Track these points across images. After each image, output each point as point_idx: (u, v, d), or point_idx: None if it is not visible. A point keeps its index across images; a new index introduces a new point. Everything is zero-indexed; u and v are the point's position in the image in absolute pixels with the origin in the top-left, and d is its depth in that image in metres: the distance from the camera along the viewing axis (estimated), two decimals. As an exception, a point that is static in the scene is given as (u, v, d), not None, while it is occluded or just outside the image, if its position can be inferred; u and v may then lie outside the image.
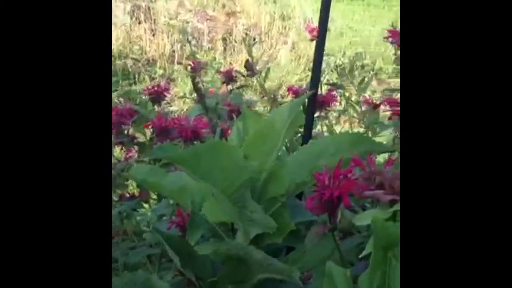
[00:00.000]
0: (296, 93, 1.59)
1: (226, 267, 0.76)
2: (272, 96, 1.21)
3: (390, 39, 0.95)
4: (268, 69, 1.22)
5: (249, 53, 1.17)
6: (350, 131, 0.94)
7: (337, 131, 1.18)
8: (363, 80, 0.80)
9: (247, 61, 1.24)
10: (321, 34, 0.83)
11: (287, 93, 1.63)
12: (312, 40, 1.59)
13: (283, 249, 0.86)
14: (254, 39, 3.84)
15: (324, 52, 0.85)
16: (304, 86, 1.69)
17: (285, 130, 0.73)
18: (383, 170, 0.64)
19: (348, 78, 0.77)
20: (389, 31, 0.83)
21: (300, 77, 3.38)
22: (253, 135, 0.73)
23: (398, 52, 1.04)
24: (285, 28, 4.11)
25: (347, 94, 0.91)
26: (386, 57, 3.78)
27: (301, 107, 0.78)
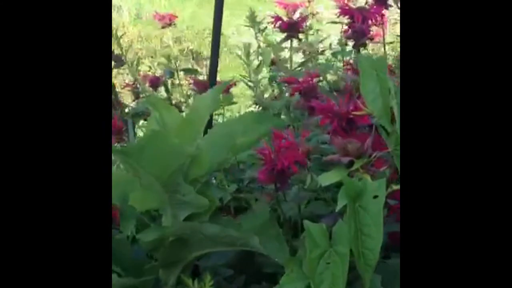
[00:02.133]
0: (153, 81, 1.63)
1: (160, 252, 0.80)
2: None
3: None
4: (139, 58, 1.24)
5: (118, 44, 1.18)
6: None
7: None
8: (260, 63, 0.89)
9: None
10: (216, 25, 0.90)
11: (143, 82, 1.66)
12: (163, 27, 1.63)
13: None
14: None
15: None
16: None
17: (208, 116, 0.79)
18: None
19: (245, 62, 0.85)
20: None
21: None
22: (182, 122, 0.77)
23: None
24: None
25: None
26: (203, 43, 3.91)
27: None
